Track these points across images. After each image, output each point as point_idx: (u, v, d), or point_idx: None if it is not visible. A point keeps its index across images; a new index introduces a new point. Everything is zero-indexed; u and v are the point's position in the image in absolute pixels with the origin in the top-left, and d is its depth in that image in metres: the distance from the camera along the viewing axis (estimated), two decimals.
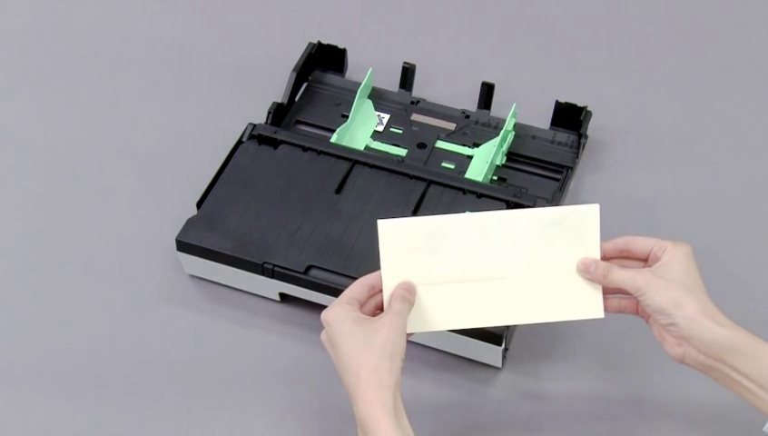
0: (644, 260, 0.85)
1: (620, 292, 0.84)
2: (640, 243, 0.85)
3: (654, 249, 0.84)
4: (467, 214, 0.84)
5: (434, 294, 0.85)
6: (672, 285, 0.81)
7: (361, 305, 0.83)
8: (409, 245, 0.84)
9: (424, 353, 0.97)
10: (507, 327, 0.93)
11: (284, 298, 1.00)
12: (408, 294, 0.83)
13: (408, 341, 0.97)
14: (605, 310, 0.85)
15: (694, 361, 0.81)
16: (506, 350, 0.95)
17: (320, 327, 0.98)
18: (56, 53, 1.24)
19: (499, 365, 0.96)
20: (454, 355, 0.97)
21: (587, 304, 0.85)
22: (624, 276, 0.82)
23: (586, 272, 0.84)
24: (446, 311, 0.85)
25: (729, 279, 1.02)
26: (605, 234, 1.06)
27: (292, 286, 0.98)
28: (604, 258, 0.84)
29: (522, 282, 0.85)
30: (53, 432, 0.93)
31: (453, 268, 0.84)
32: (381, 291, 0.84)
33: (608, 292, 0.85)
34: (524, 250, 0.84)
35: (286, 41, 1.22)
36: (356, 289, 0.83)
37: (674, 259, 0.82)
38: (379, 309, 0.84)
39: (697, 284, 0.81)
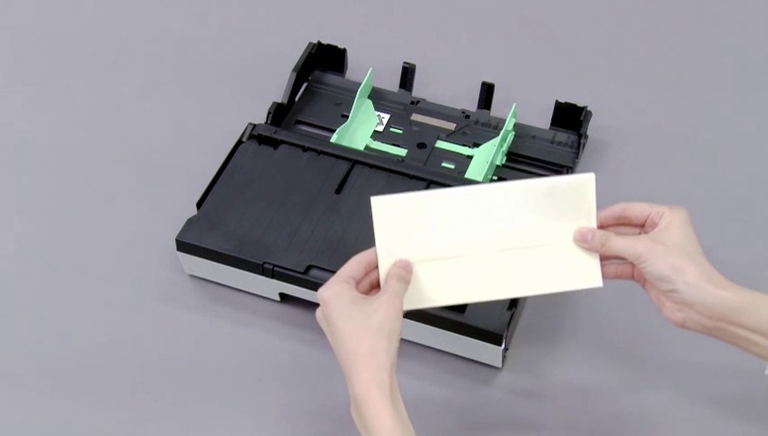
0: (641, 226, 0.84)
1: (617, 258, 0.84)
2: (636, 210, 0.84)
3: (650, 215, 0.83)
4: (461, 188, 0.84)
5: (430, 270, 0.84)
6: (671, 251, 0.80)
7: (357, 283, 0.82)
8: (404, 221, 0.83)
9: (424, 353, 0.97)
10: (507, 327, 0.93)
11: (284, 298, 1.00)
12: (404, 273, 0.82)
13: (408, 341, 0.97)
14: (603, 277, 0.85)
15: (696, 325, 0.81)
16: (506, 350, 0.95)
17: (320, 327, 0.99)
18: (56, 52, 1.24)
19: (499, 365, 0.96)
20: (454, 355, 0.97)
21: (586, 274, 0.84)
22: (622, 244, 0.82)
23: (583, 241, 0.83)
24: (443, 286, 0.84)
25: (730, 277, 1.02)
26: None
27: (292, 286, 0.98)
28: (600, 226, 0.84)
29: (519, 255, 0.84)
30: (53, 432, 0.93)
31: (449, 242, 0.84)
32: (377, 268, 0.83)
33: (605, 259, 0.85)
34: (520, 221, 0.84)
35: (286, 41, 1.22)
36: (352, 266, 0.83)
37: (672, 224, 0.82)
38: (376, 286, 0.83)
39: (696, 248, 0.81)
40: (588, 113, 1.12)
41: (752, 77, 1.21)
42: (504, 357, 0.96)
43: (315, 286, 0.96)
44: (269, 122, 1.11)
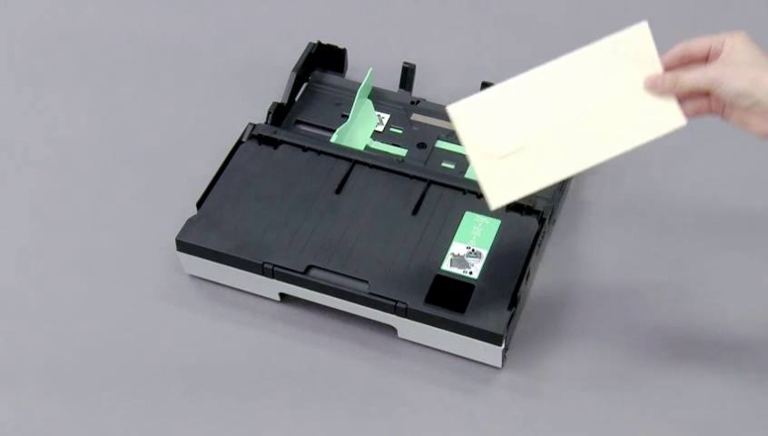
0: (705, 59, 0.86)
1: (691, 96, 0.86)
2: (696, 45, 0.86)
3: (712, 45, 0.85)
4: (527, 73, 0.87)
5: (520, 159, 0.87)
6: (743, 67, 0.83)
7: None
8: (484, 120, 0.86)
9: (424, 353, 0.97)
10: (507, 327, 0.93)
11: (284, 298, 1.00)
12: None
13: (408, 341, 0.98)
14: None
15: None
16: (506, 350, 0.95)
17: (320, 327, 0.99)
18: (56, 53, 1.24)
19: (499, 365, 0.96)
20: (454, 355, 0.97)
21: (666, 117, 0.86)
22: (694, 76, 0.84)
23: (654, 87, 0.85)
24: (536, 170, 0.87)
25: (730, 279, 1.02)
26: (610, 232, 1.06)
27: (292, 286, 0.98)
28: (666, 70, 0.86)
29: (598, 119, 0.86)
30: (53, 432, 0.93)
31: (530, 126, 0.86)
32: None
33: (680, 100, 0.86)
34: (590, 86, 0.86)
35: (286, 41, 1.22)
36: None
37: (736, 45, 0.84)
38: None
39: (765, 61, 0.83)
40: None
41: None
42: (504, 357, 0.96)
43: (315, 286, 0.97)
44: (269, 122, 1.11)
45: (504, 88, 0.87)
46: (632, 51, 0.86)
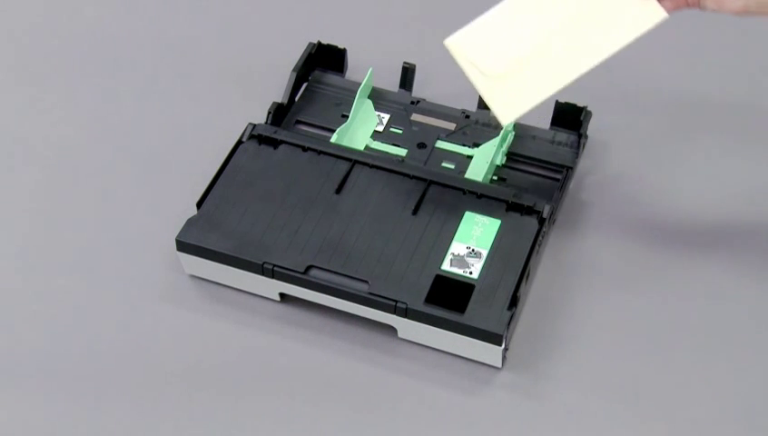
0: None
1: None
2: None
3: None
4: None
5: (520, 74, 0.93)
6: None
7: None
8: (480, 45, 0.94)
9: (424, 353, 0.97)
10: (507, 327, 0.93)
11: (284, 298, 1.00)
12: None
13: (408, 341, 0.98)
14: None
15: (757, 5, 0.90)
16: (506, 350, 0.95)
17: (320, 327, 0.99)
18: (56, 52, 1.24)
19: (499, 365, 0.96)
20: (454, 355, 0.97)
21: (648, 14, 0.93)
22: None
23: None
24: (538, 82, 0.94)
25: (730, 279, 1.02)
26: (610, 232, 1.06)
27: (292, 286, 0.98)
28: None
29: (586, 25, 0.93)
30: (52, 432, 0.93)
31: (525, 43, 0.93)
32: None
33: None
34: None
35: (286, 41, 1.22)
36: None
37: None
38: None
39: None
40: (588, 114, 1.12)
41: (752, 77, 1.21)
42: (504, 357, 0.96)
43: (315, 286, 0.97)
44: (269, 122, 1.11)
45: (494, 13, 0.94)
46: None
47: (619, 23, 0.93)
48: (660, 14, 0.93)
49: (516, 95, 0.94)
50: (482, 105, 1.14)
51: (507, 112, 0.95)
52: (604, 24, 0.94)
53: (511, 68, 0.94)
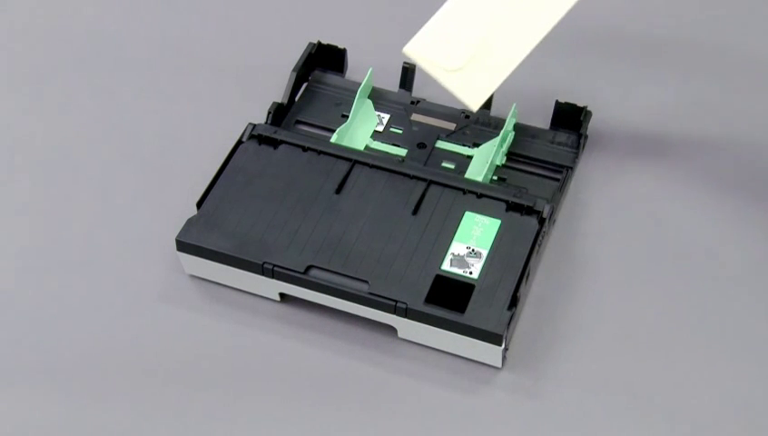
0: None
1: None
2: None
3: None
4: None
5: (478, 60, 0.99)
6: None
7: None
8: (436, 43, 0.99)
9: (424, 353, 0.97)
10: (507, 327, 0.93)
11: (284, 298, 1.00)
12: None
13: (408, 341, 0.98)
14: None
15: None
16: (506, 350, 0.95)
17: (320, 327, 0.99)
18: (56, 53, 1.24)
19: (499, 365, 0.96)
20: (454, 355, 0.97)
21: None
22: None
23: None
24: (497, 63, 0.99)
25: (730, 279, 1.02)
26: (606, 235, 1.06)
27: (292, 286, 0.98)
28: None
29: (528, 1, 0.99)
30: (52, 432, 0.93)
31: (477, 30, 0.99)
32: None
33: None
34: None
35: (286, 41, 1.22)
36: None
37: None
38: None
39: None
40: (588, 114, 1.12)
41: (753, 76, 1.21)
42: (504, 357, 0.96)
43: (315, 286, 0.97)
44: (269, 122, 1.11)
45: (442, 12, 1.00)
46: None
47: None
48: None
49: (480, 81, 0.99)
50: (482, 105, 1.14)
51: (474, 98, 1.00)
52: None
53: (469, 58, 0.99)
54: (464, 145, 1.11)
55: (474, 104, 1.01)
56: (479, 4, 1.00)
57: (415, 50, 1.00)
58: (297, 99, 1.16)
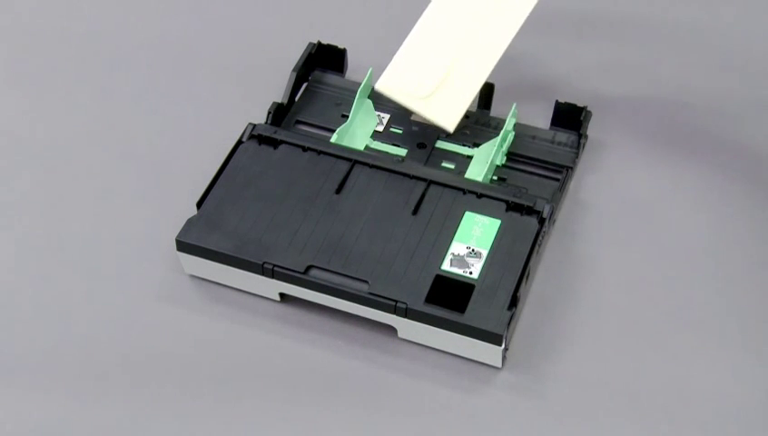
0: None
1: None
2: None
3: None
4: (420, 19, 1.06)
5: (448, 83, 1.04)
6: None
7: None
8: (406, 75, 1.04)
9: (424, 353, 0.97)
10: (507, 327, 0.93)
11: (284, 298, 1.00)
12: None
13: (408, 341, 0.98)
14: None
15: None
16: (506, 350, 0.95)
17: (320, 327, 0.99)
18: (56, 53, 1.24)
19: (499, 365, 0.96)
20: (454, 355, 0.97)
21: None
22: None
23: None
24: (465, 82, 1.04)
25: (729, 279, 1.03)
26: (606, 235, 1.06)
27: (292, 286, 0.98)
28: None
29: (485, 19, 1.04)
30: (52, 432, 0.93)
31: (442, 55, 1.04)
32: None
33: None
34: None
35: (286, 41, 1.22)
36: None
37: None
38: None
39: None
40: (588, 113, 1.12)
41: (753, 76, 1.21)
42: (504, 357, 0.96)
43: (315, 286, 0.97)
44: (269, 122, 1.11)
45: (406, 45, 1.05)
46: None
47: (511, 5, 1.04)
48: None
49: (452, 102, 1.05)
50: (482, 105, 1.14)
51: (449, 120, 1.05)
52: (500, 12, 1.04)
53: (438, 83, 1.04)
54: (464, 145, 1.11)
55: (450, 125, 1.06)
56: (440, 31, 1.05)
57: (386, 85, 1.05)
58: (297, 99, 1.16)
